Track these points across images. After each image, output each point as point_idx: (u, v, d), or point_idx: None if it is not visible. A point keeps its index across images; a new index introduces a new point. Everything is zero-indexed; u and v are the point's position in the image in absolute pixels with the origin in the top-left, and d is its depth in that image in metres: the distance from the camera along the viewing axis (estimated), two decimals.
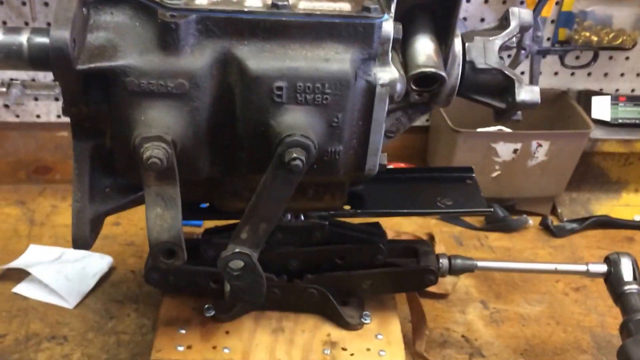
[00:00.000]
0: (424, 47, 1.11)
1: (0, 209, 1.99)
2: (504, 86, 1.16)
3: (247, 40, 1.02)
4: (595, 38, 1.99)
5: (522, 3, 1.95)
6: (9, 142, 2.06)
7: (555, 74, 2.13)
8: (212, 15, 1.00)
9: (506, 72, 1.15)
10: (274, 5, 1.02)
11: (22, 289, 1.69)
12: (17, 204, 2.02)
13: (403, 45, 1.12)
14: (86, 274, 1.71)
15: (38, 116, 2.04)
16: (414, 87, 1.11)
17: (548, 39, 2.05)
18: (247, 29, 1.01)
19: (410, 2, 1.12)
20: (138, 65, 0.99)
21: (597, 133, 2.02)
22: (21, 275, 1.70)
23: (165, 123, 1.01)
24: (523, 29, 1.19)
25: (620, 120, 2.07)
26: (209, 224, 1.45)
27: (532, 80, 1.93)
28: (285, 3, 1.02)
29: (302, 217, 1.32)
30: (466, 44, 1.16)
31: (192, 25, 0.99)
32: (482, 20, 1.99)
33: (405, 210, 1.37)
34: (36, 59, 1.01)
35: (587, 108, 2.07)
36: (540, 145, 1.92)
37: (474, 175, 1.42)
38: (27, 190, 2.07)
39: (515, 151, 1.92)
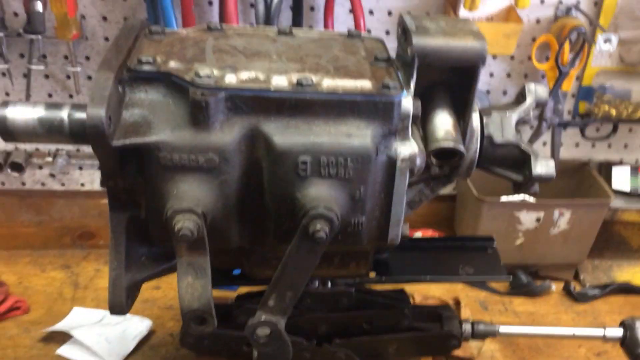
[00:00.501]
0: (443, 122, 1.10)
1: (47, 272, 2.00)
2: (521, 160, 1.14)
3: (273, 117, 1.02)
4: (614, 111, 1.96)
5: (543, 77, 1.94)
6: (55, 209, 2.08)
7: (577, 145, 2.10)
8: (240, 93, 1.00)
9: (522, 147, 1.13)
10: (299, 84, 1.01)
11: (65, 350, 1.68)
12: (63, 268, 2.02)
13: (423, 120, 1.11)
14: (126, 337, 1.70)
15: (82, 184, 2.06)
16: (434, 161, 1.10)
17: (569, 111, 2.02)
18: (273, 106, 1.01)
19: (429, 79, 1.11)
20: (170, 140, 0.99)
21: (617, 203, 1.99)
22: (64, 337, 1.69)
23: (196, 196, 1.00)
24: (539, 104, 1.17)
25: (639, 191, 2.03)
26: (243, 288, 1.44)
27: (554, 151, 1.92)
28: (310, 82, 1.02)
29: (330, 284, 1.30)
30: (484, 119, 1.14)
31: (221, 103, 0.99)
32: (505, 93, 1.98)
33: (429, 277, 1.34)
34: (76, 134, 1.02)
35: (608, 178, 2.04)
36: (562, 214, 1.88)
37: (495, 244, 1.39)
38: (72, 255, 2.08)
39: (538, 220, 1.89)
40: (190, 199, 0.99)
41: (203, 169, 1.01)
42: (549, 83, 1.90)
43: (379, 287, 1.38)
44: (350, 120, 1.03)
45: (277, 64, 1.08)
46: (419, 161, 1.06)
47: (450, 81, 1.12)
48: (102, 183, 1.06)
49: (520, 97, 1.18)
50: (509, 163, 1.15)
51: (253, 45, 1.14)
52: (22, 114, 1.02)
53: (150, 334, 1.75)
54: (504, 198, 1.91)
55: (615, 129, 2.00)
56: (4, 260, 2.04)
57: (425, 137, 1.10)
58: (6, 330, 1.75)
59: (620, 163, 2.10)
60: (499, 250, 1.39)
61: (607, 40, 1.81)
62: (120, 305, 1.09)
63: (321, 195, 1.02)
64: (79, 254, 2.09)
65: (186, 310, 1.01)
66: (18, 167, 1.92)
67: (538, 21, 1.90)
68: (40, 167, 2.01)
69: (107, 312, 1.72)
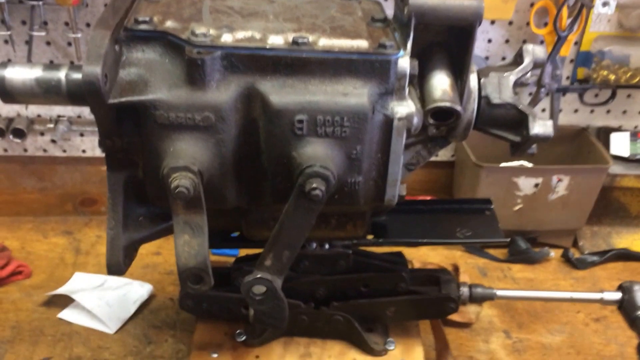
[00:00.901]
0: (440, 83, 1.09)
1: (49, 238, 2.02)
2: (518, 120, 1.13)
3: (269, 75, 1.01)
4: (613, 77, 1.95)
5: (541, 42, 1.92)
6: (56, 175, 2.09)
7: (575, 111, 2.08)
8: (236, 52, 0.99)
9: (520, 107, 1.12)
10: (294, 42, 1.01)
11: (67, 314, 1.69)
12: (65, 234, 2.04)
13: (420, 81, 1.10)
14: (127, 301, 1.71)
15: (84, 151, 2.06)
16: (431, 121, 1.09)
17: (567, 77, 2.01)
18: (269, 65, 1.01)
19: (426, 39, 1.10)
20: (167, 99, 0.99)
21: (616, 168, 1.98)
22: (66, 301, 1.71)
23: (192, 154, 1.00)
24: (537, 65, 1.16)
25: (638, 157, 2.02)
26: (243, 252, 1.44)
27: (552, 117, 1.90)
28: (306, 40, 1.01)
29: (327, 246, 1.30)
30: (481, 80, 1.13)
31: (217, 61, 0.99)
32: (504, 59, 1.95)
33: (426, 240, 1.34)
34: (74, 94, 1.02)
35: (606, 144, 2.02)
36: (560, 179, 1.88)
37: (492, 206, 1.38)
38: (74, 222, 2.10)
39: (536, 185, 1.88)
40: (187, 157, 0.99)
41: (199, 128, 1.00)
42: (547, 48, 1.88)
43: (377, 250, 1.38)
44: (346, 80, 1.02)
45: (274, 24, 1.07)
46: (415, 120, 1.06)
47: (447, 41, 1.11)
48: (100, 143, 1.05)
49: (518, 58, 1.17)
50: (506, 124, 1.14)
51: (250, 6, 1.14)
52: (20, 74, 1.01)
53: (150, 298, 1.76)
54: (502, 164, 1.91)
55: (613, 95, 1.99)
56: (7, 226, 2.05)
57: (423, 97, 1.09)
58: (9, 294, 1.76)
59: (619, 129, 2.09)
60: (496, 212, 1.39)
61: (605, 4, 1.79)
62: (117, 264, 1.09)
63: (317, 154, 1.01)
64: (80, 220, 2.11)
65: (182, 268, 1.01)
66: (20, 134, 1.92)
67: None
68: (42, 134, 2.01)
69: (108, 277, 1.78)
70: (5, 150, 2.04)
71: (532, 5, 1.89)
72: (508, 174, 1.87)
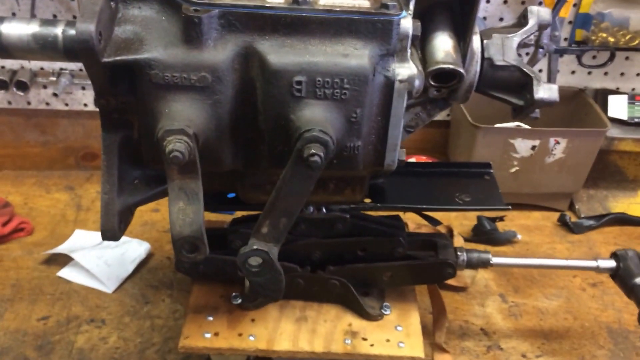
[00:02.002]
0: (443, 44, 1.05)
1: (51, 194, 2.01)
2: (522, 83, 1.09)
3: (268, 35, 0.97)
4: (612, 39, 1.91)
5: (540, 3, 1.88)
6: (59, 129, 2.08)
7: (573, 72, 2.05)
8: (234, 10, 0.95)
9: (524, 69, 1.08)
10: (294, 1, 0.97)
11: (66, 273, 1.69)
12: (67, 189, 2.03)
13: (422, 42, 1.06)
14: (125, 260, 1.70)
15: (85, 105, 2.04)
16: (432, 83, 1.05)
17: (565, 39, 1.97)
18: (268, 24, 0.97)
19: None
20: (162, 58, 0.95)
21: (614, 132, 1.95)
22: (66, 259, 1.70)
23: (188, 116, 0.96)
24: (541, 27, 1.12)
25: (636, 120, 1.99)
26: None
27: (550, 78, 1.86)
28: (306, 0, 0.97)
29: (324, 210, 1.27)
30: (484, 41, 1.09)
31: (214, 20, 0.95)
32: (501, 19, 1.93)
33: (425, 206, 1.31)
34: (70, 50, 0.98)
35: (604, 106, 1.99)
36: (557, 142, 1.85)
37: (492, 171, 1.35)
38: (76, 176, 2.10)
39: (533, 148, 1.86)
40: (182, 119, 0.95)
41: (195, 88, 0.97)
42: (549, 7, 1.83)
43: (374, 213, 1.35)
44: (347, 40, 0.98)
45: None
46: (417, 83, 1.02)
47: (450, 2, 1.08)
48: (95, 102, 1.01)
49: (522, 20, 1.13)
50: (509, 86, 1.10)
51: None
52: (16, 29, 0.98)
53: (148, 257, 1.75)
54: (498, 125, 1.87)
55: (612, 57, 1.94)
56: (11, 180, 2.05)
57: (424, 59, 1.06)
58: (10, 251, 1.76)
59: (617, 91, 2.06)
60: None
61: None
62: (112, 230, 1.06)
63: (316, 117, 0.97)
64: (82, 175, 2.10)
65: (177, 237, 0.98)
66: (23, 86, 1.91)
67: None
68: (45, 87, 2.00)
69: None
70: (9, 102, 2.02)
71: None
72: (505, 135, 1.84)
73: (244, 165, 1.08)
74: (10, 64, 1.93)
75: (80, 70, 1.97)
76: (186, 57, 0.95)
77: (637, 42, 1.93)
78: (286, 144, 1.00)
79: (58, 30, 0.98)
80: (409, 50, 1.01)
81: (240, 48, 0.97)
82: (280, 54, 0.97)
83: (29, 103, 2.03)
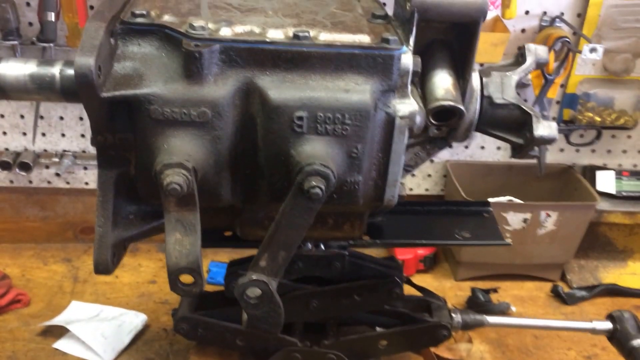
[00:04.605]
0: (443, 81, 1.03)
1: (49, 265, 1.98)
2: (522, 121, 1.07)
3: (269, 70, 0.95)
4: (598, 118, 1.95)
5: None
6: (59, 205, 2.06)
7: (561, 150, 2.07)
8: (235, 45, 0.93)
9: (524, 107, 1.06)
10: (295, 36, 0.95)
11: (62, 344, 1.65)
12: (64, 261, 2.00)
13: (422, 80, 1.04)
14: (121, 332, 1.66)
15: (87, 183, 2.04)
16: (432, 121, 1.03)
17: (553, 118, 1.99)
18: (269, 59, 0.94)
19: (428, 37, 1.04)
20: (162, 93, 0.92)
21: (603, 205, 1.97)
22: (62, 331, 1.66)
23: (187, 151, 0.93)
24: (539, 65, 1.11)
25: (624, 193, 2.01)
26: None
27: (540, 156, 1.86)
28: (307, 34, 0.95)
29: (323, 247, 1.24)
30: (484, 79, 1.08)
31: (215, 55, 0.93)
32: None
33: (424, 241, 1.28)
34: (67, 90, 0.96)
35: (592, 181, 2.02)
36: (549, 215, 1.86)
37: (491, 209, 1.33)
38: (74, 249, 2.06)
39: (525, 220, 1.86)
40: (181, 154, 0.92)
41: (195, 124, 0.94)
42: (534, 91, 1.85)
43: (372, 252, 1.32)
44: (348, 75, 0.96)
45: (273, 19, 1.01)
46: (418, 119, 0.99)
47: (448, 40, 1.06)
48: (92, 140, 0.99)
49: (520, 58, 1.12)
50: (509, 125, 1.08)
51: (248, 2, 1.08)
52: (13, 69, 0.96)
53: (145, 329, 1.71)
54: (491, 199, 1.87)
55: (599, 135, 1.97)
56: (9, 253, 2.01)
57: (424, 96, 1.03)
58: (6, 323, 1.71)
59: (604, 167, 2.08)
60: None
61: (592, 50, 1.77)
62: (105, 263, 1.02)
63: (317, 152, 0.95)
64: (80, 247, 2.07)
65: (173, 268, 0.94)
66: (26, 167, 1.91)
67: (523, 31, 1.88)
68: (47, 167, 1.99)
69: (104, 307, 1.74)
70: (11, 181, 2.02)
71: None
72: (498, 209, 1.81)
73: (243, 201, 1.05)
74: (14, 145, 1.95)
75: (83, 151, 1.97)
76: (186, 92, 0.93)
77: (622, 121, 1.97)
78: (286, 179, 0.98)
79: (55, 70, 0.96)
80: (409, 87, 0.99)
81: (241, 84, 0.95)
82: (281, 89, 0.94)
83: (30, 182, 2.02)
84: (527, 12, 1.85)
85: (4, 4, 1.65)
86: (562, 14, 1.85)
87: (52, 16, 1.69)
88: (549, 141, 1.05)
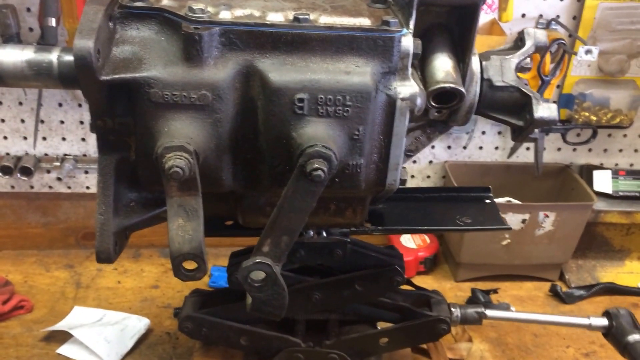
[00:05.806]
0: (443, 64, 1.02)
1: (51, 272, 1.96)
2: (522, 104, 1.06)
3: (269, 53, 0.94)
4: (594, 118, 1.96)
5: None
6: (61, 210, 2.05)
7: (559, 149, 2.08)
8: (235, 28, 0.92)
9: (523, 89, 1.05)
10: (295, 19, 0.93)
11: (65, 350, 1.63)
12: (66, 267, 1.99)
13: (422, 63, 1.03)
14: (125, 336, 1.65)
15: (88, 187, 2.03)
16: (433, 104, 1.02)
17: None
18: (269, 42, 0.93)
19: (428, 20, 1.03)
20: (162, 76, 0.91)
21: (599, 205, 1.98)
22: (65, 336, 1.65)
23: (187, 134, 0.92)
24: (538, 49, 1.10)
25: (621, 193, 2.02)
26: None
27: (537, 155, 1.88)
28: (307, 17, 0.94)
29: (324, 234, 1.23)
30: (483, 63, 1.07)
31: (215, 38, 0.91)
32: None
33: (425, 227, 1.26)
34: (65, 76, 0.94)
35: (589, 181, 2.02)
36: (547, 215, 1.86)
37: (491, 194, 1.31)
38: (76, 255, 2.05)
39: (523, 221, 1.86)
40: (182, 137, 0.91)
41: (195, 107, 0.93)
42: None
43: (373, 240, 1.31)
44: (348, 58, 0.95)
45: (273, 3, 1.00)
46: (419, 101, 0.98)
47: (448, 23, 1.04)
48: (91, 126, 0.97)
49: (519, 42, 1.11)
50: (509, 107, 1.07)
51: None
52: (10, 56, 0.94)
53: (147, 333, 1.70)
54: None
55: (594, 134, 1.98)
56: (11, 259, 2.00)
57: (424, 79, 1.02)
58: (10, 329, 1.70)
59: (601, 167, 2.09)
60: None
61: (588, 52, 1.81)
62: (107, 251, 1.01)
63: (318, 134, 0.93)
64: (82, 253, 2.05)
65: (176, 253, 0.93)
66: (27, 171, 1.90)
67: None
68: (48, 172, 1.99)
69: (107, 312, 1.73)
70: (13, 187, 2.01)
71: None
72: None
73: (244, 186, 1.04)
74: (15, 150, 1.94)
75: (84, 155, 1.97)
76: (186, 75, 0.92)
77: (617, 120, 1.97)
78: (287, 163, 0.96)
79: (53, 56, 0.94)
80: (410, 69, 0.98)
81: (241, 66, 0.93)
82: (282, 71, 0.93)
83: (31, 187, 2.01)
84: (523, 15, 1.86)
85: (4, 9, 1.64)
86: (558, 16, 1.86)
87: (52, 22, 1.67)
88: (549, 122, 1.04)
